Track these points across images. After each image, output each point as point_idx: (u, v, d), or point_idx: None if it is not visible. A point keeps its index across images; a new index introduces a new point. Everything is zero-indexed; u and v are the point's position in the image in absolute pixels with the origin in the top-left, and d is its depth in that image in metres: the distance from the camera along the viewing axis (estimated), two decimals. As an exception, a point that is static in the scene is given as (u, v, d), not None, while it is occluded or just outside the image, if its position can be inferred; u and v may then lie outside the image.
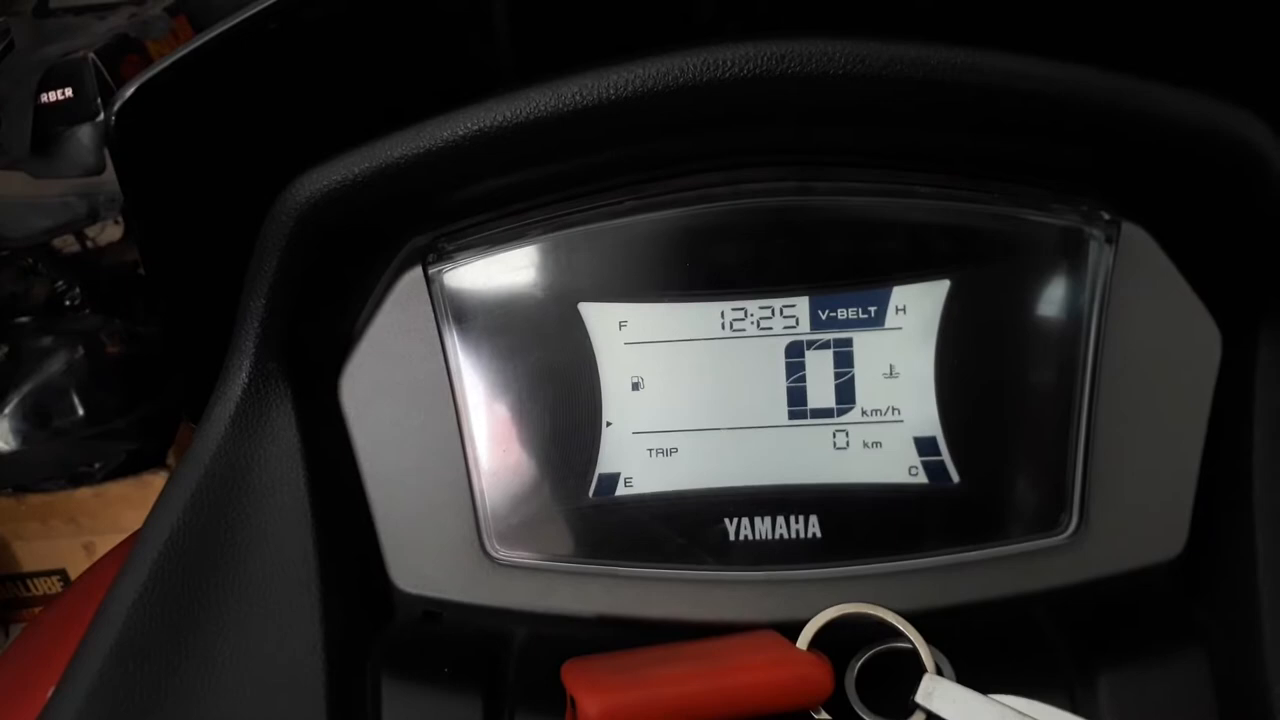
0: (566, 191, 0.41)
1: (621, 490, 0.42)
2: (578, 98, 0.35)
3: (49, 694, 0.39)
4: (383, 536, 0.42)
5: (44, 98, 1.44)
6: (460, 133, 0.36)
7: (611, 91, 0.35)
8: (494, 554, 0.42)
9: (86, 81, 1.44)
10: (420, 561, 0.42)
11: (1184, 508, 0.41)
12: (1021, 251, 0.40)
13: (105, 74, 1.47)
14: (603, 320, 0.41)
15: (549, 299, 0.41)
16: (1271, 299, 0.39)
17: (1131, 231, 0.40)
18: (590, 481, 0.42)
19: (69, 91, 1.46)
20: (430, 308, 0.41)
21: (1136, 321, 0.40)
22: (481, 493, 0.42)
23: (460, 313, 0.42)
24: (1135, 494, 0.41)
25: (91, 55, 1.42)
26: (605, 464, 0.42)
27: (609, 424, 0.42)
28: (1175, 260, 0.40)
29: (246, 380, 0.41)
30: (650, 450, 0.42)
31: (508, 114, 0.36)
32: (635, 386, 0.42)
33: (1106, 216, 0.40)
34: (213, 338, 0.42)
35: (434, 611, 0.43)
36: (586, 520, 0.42)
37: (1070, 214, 0.40)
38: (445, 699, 0.39)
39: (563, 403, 0.42)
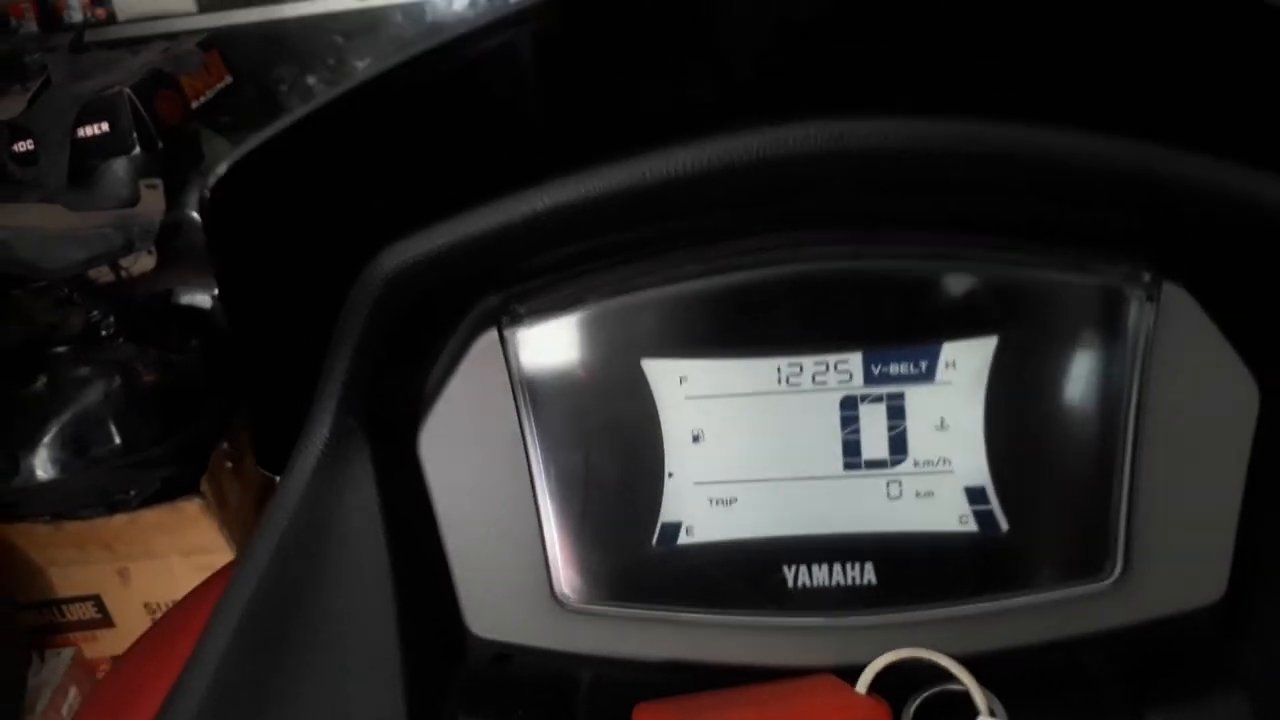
0: (630, 255, 0.43)
1: (684, 539, 0.44)
2: (645, 176, 0.37)
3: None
4: (458, 583, 0.44)
5: (80, 132, 1.48)
6: (538, 208, 0.38)
7: (676, 170, 0.37)
8: (563, 600, 0.44)
9: (122, 116, 1.48)
10: (493, 607, 0.44)
11: (1224, 554, 0.42)
12: (1066, 310, 0.42)
13: (140, 108, 1.51)
14: (665, 376, 0.43)
15: (614, 357, 0.43)
16: None
17: (1172, 291, 0.41)
18: (654, 531, 0.44)
19: (105, 126, 1.50)
20: (505, 367, 0.43)
21: (1177, 376, 0.42)
22: (552, 542, 0.44)
23: (532, 372, 0.43)
24: (1177, 541, 0.42)
25: (127, 90, 1.47)
26: (668, 514, 0.44)
27: (671, 475, 0.43)
28: (1214, 319, 0.41)
29: (328, 435, 0.43)
30: (711, 500, 0.43)
31: (580, 192, 0.38)
32: (696, 439, 0.43)
33: (1148, 277, 0.41)
34: (292, 393, 0.44)
35: (505, 655, 0.44)
36: (651, 568, 0.44)
37: (1112, 274, 0.42)
38: None
39: (627, 455, 0.44)
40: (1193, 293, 0.41)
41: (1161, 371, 0.42)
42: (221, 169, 0.40)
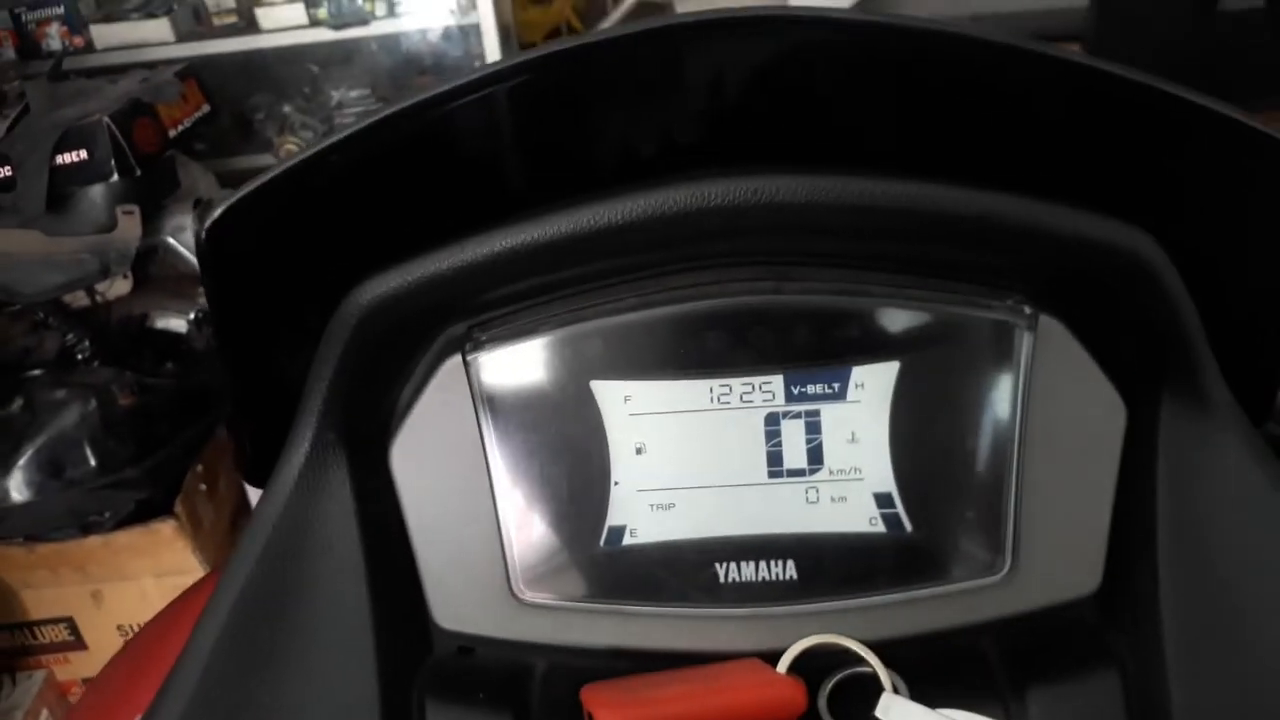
0: (579, 289, 0.48)
1: (628, 540, 0.49)
2: (592, 221, 0.43)
3: (134, 722, 0.45)
4: (425, 582, 0.49)
5: (59, 159, 1.50)
6: (497, 249, 0.43)
7: (618, 217, 0.43)
8: (520, 595, 0.49)
9: (100, 143, 1.51)
10: (457, 602, 0.49)
11: (1099, 551, 0.47)
12: (959, 338, 0.47)
13: (119, 137, 1.53)
14: (611, 396, 0.48)
15: (565, 378, 0.48)
16: (1167, 378, 0.46)
17: (1048, 323, 0.47)
18: (601, 533, 0.49)
19: (83, 153, 1.52)
20: (468, 388, 0.48)
21: (1055, 396, 0.47)
22: (510, 543, 0.49)
23: (492, 392, 0.48)
24: (1058, 540, 0.47)
25: (105, 119, 1.50)
26: (614, 518, 0.48)
27: (616, 483, 0.48)
28: (1085, 345, 0.47)
29: (309, 449, 0.47)
30: (652, 505, 0.48)
31: (536, 234, 0.43)
32: (639, 451, 0.48)
33: (1028, 310, 0.47)
34: (276, 413, 0.49)
35: (468, 647, 0.49)
36: (598, 566, 0.49)
37: (999, 307, 0.47)
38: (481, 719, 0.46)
39: (577, 465, 0.48)
40: (1066, 324, 0.47)
41: (1042, 391, 0.47)
42: (217, 212, 0.44)
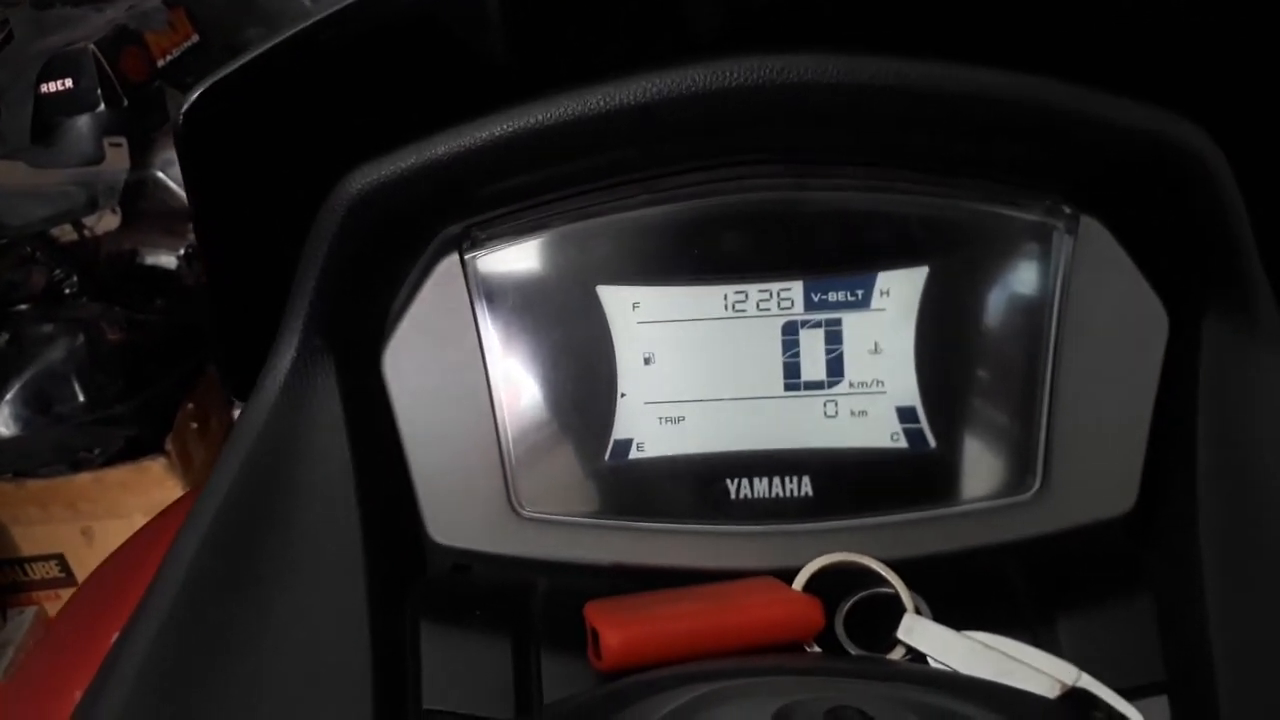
0: (585, 185, 0.45)
1: (634, 454, 0.46)
2: (600, 104, 0.40)
3: (112, 639, 0.43)
4: (420, 494, 0.46)
5: (44, 88, 1.46)
6: (496, 133, 0.40)
7: (631, 98, 0.39)
8: (520, 510, 0.46)
9: (86, 72, 1.47)
10: (454, 516, 0.46)
11: (1135, 469, 0.45)
12: (992, 241, 0.45)
13: (105, 65, 1.49)
14: (618, 302, 0.45)
15: (570, 282, 0.46)
16: (1212, 287, 0.44)
17: (1089, 224, 0.44)
18: (607, 446, 0.46)
19: (69, 82, 1.48)
20: (465, 290, 0.45)
21: (1093, 304, 0.45)
22: (510, 455, 0.46)
23: (491, 295, 0.46)
24: (1092, 457, 0.45)
25: (91, 46, 1.45)
26: (620, 430, 0.46)
27: (623, 395, 0.46)
28: (1128, 250, 0.44)
29: (295, 354, 0.45)
30: (660, 418, 0.46)
31: (540, 117, 0.40)
32: (647, 361, 0.46)
33: (1068, 210, 0.44)
34: (261, 319, 0.46)
35: (464, 564, 0.47)
36: (603, 480, 0.46)
37: (1035, 208, 0.45)
38: (477, 639, 0.43)
39: (582, 375, 0.46)
40: (1109, 227, 0.44)
41: (1079, 300, 0.45)
42: (194, 95, 0.41)
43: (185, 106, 0.41)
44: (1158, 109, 0.41)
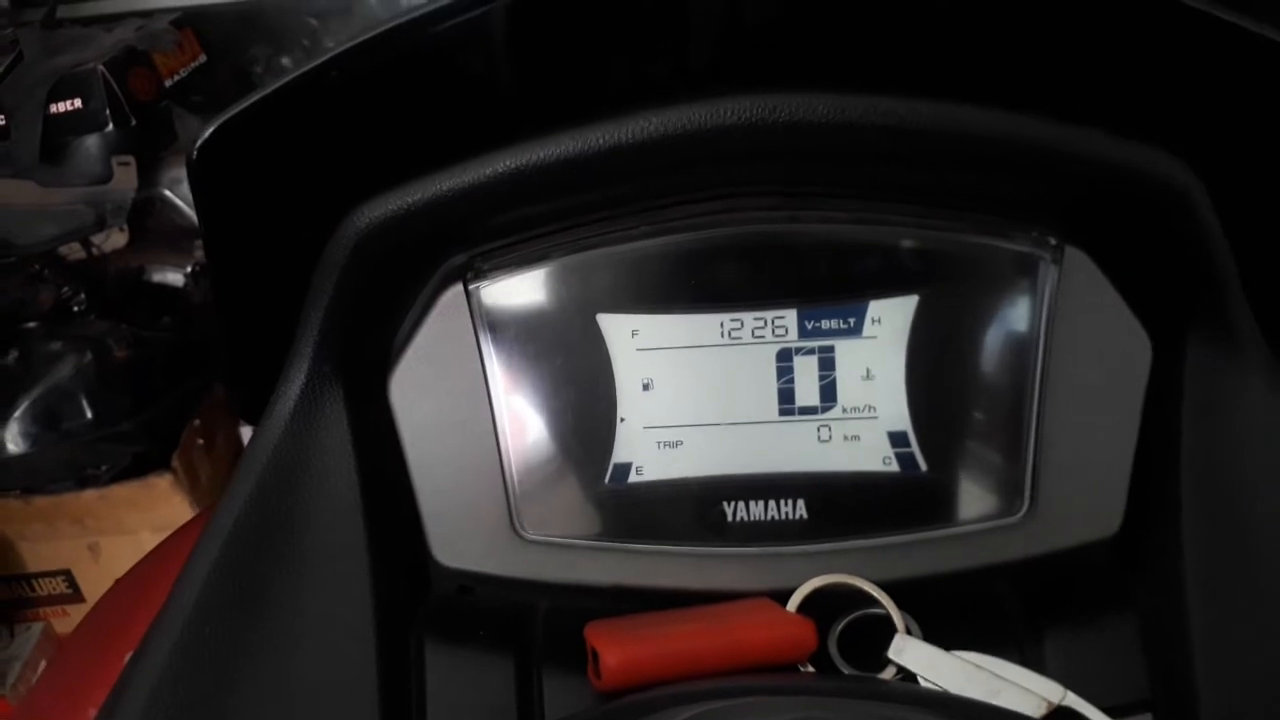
0: (586, 218, 0.47)
1: (634, 478, 0.47)
2: (600, 141, 0.41)
3: (124, 660, 0.44)
4: (425, 518, 0.47)
5: (53, 108, 1.48)
6: (499, 170, 0.42)
7: (629, 136, 0.41)
8: (523, 533, 0.47)
9: (95, 92, 1.48)
10: (458, 539, 0.47)
11: (1120, 493, 0.46)
12: (980, 271, 0.46)
13: (114, 85, 1.51)
14: (618, 329, 0.47)
15: (571, 311, 0.47)
16: (1195, 314, 0.45)
17: (1074, 255, 0.45)
18: (607, 470, 0.47)
19: (78, 102, 1.50)
20: (470, 319, 0.47)
21: (1079, 332, 0.46)
22: (513, 479, 0.47)
23: (495, 323, 0.47)
24: (1078, 480, 0.46)
25: (100, 67, 1.46)
26: (619, 455, 0.47)
27: (623, 420, 0.47)
28: (1111, 279, 0.46)
29: (305, 381, 0.46)
30: (659, 443, 0.47)
31: (541, 155, 0.41)
32: (646, 387, 0.47)
33: (1053, 241, 0.45)
34: (271, 347, 0.47)
35: (469, 586, 0.48)
36: (603, 504, 0.47)
37: (1022, 239, 0.46)
38: (481, 659, 0.44)
39: (583, 401, 0.47)
40: (1093, 256, 0.46)
41: (1065, 327, 0.46)
42: (207, 132, 0.42)
43: (199, 142, 0.42)
44: (1139, 144, 0.42)
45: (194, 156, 0.43)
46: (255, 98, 0.43)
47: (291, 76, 0.43)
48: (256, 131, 0.43)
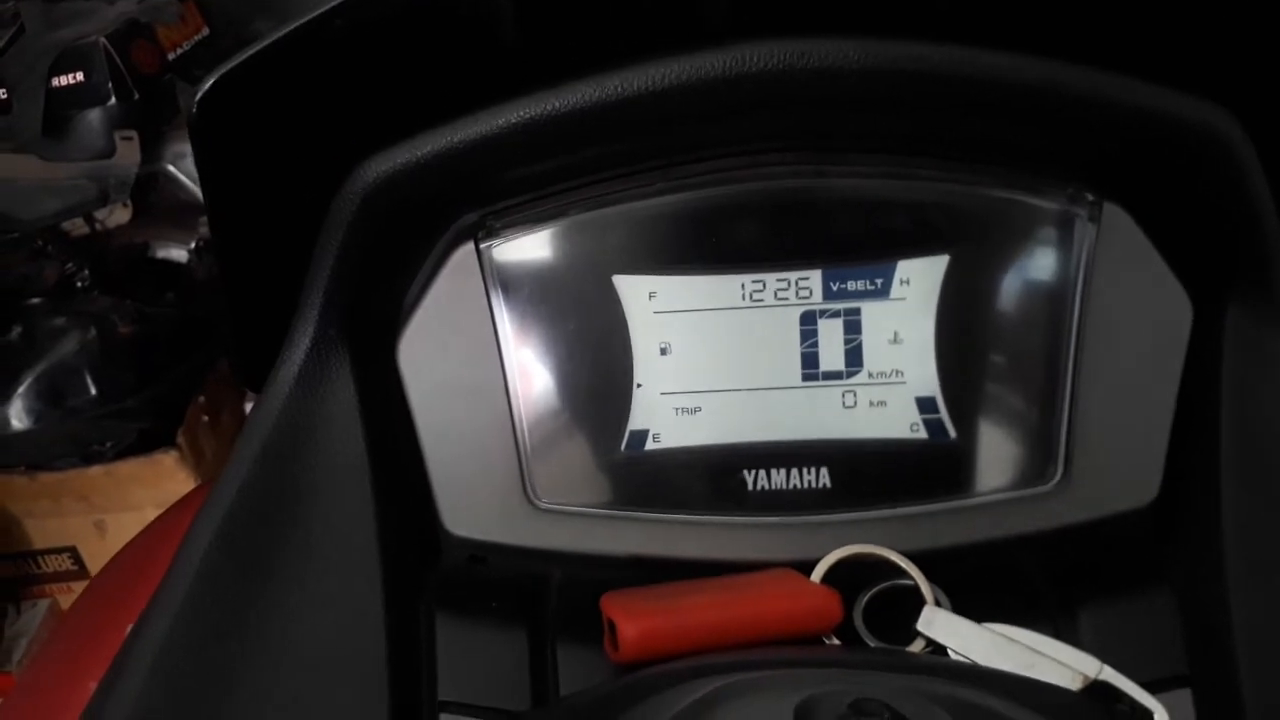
0: (601, 174, 0.45)
1: (650, 445, 0.46)
2: (618, 90, 0.39)
3: (125, 632, 0.43)
4: (435, 485, 0.46)
5: (55, 81, 1.46)
6: (512, 121, 0.40)
7: (648, 84, 0.39)
8: (536, 501, 0.46)
9: (97, 66, 1.46)
10: (469, 507, 0.46)
11: (1158, 460, 0.44)
12: (1014, 229, 0.44)
13: (116, 58, 1.49)
14: (634, 291, 0.45)
15: (586, 271, 0.45)
16: (1237, 273, 0.43)
17: (1112, 211, 0.44)
18: (623, 437, 0.46)
19: (80, 75, 1.48)
20: (481, 280, 0.45)
21: (1116, 292, 0.44)
22: (525, 446, 0.46)
23: (507, 284, 0.45)
24: (1114, 447, 0.44)
25: (102, 40, 1.45)
26: (636, 421, 0.46)
27: (639, 385, 0.46)
28: (1151, 237, 0.44)
29: (310, 344, 0.44)
30: (677, 409, 0.46)
31: (555, 105, 0.40)
32: (663, 351, 0.45)
33: (1090, 198, 0.44)
34: (275, 310, 0.46)
35: (480, 555, 0.47)
36: (619, 471, 0.46)
37: (1058, 195, 0.44)
38: (493, 631, 0.43)
39: (598, 366, 0.46)
40: (1132, 213, 0.44)
41: (1102, 288, 0.44)
42: (207, 83, 0.41)
43: (199, 95, 0.41)
44: (1181, 92, 0.40)
45: (194, 110, 0.41)
46: (257, 48, 0.41)
47: (294, 26, 0.41)
48: (258, 83, 0.42)
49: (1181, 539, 0.43)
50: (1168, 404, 0.44)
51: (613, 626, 0.40)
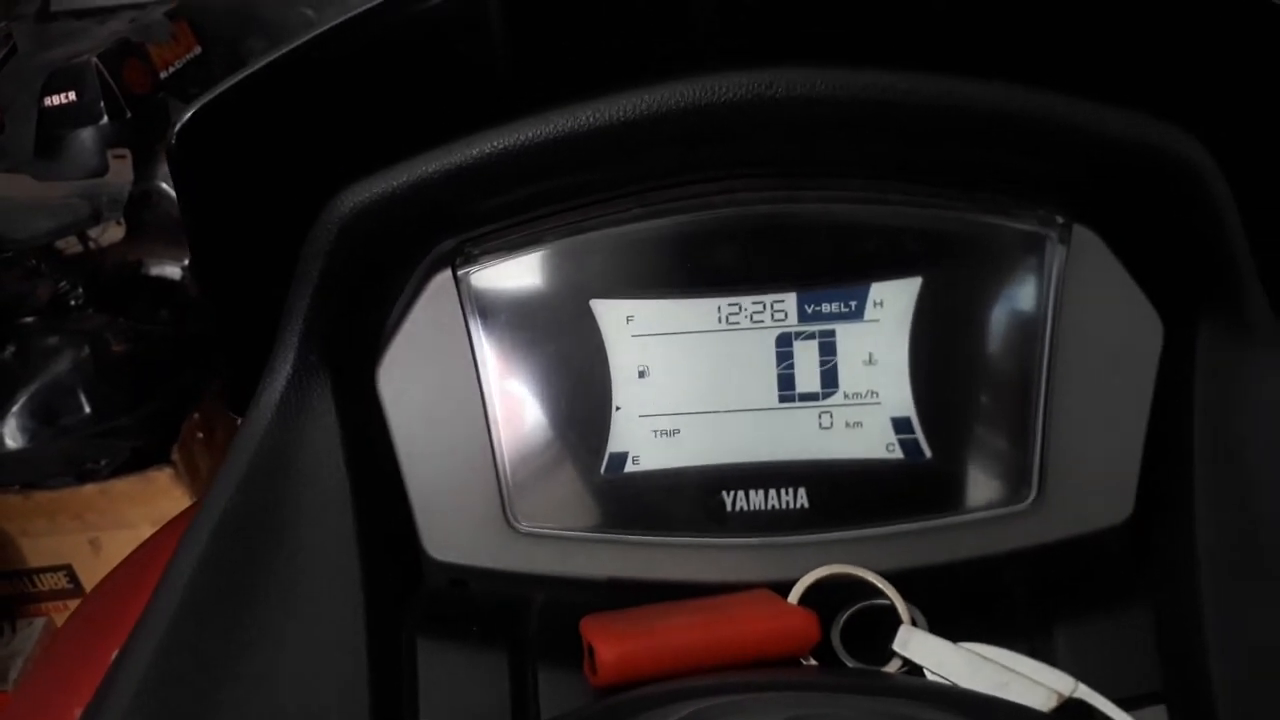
0: (578, 200, 0.45)
1: (630, 467, 0.46)
2: (591, 120, 0.40)
3: (111, 656, 0.43)
4: (416, 510, 0.46)
5: (47, 101, 1.46)
6: (486, 151, 0.40)
7: (621, 113, 0.40)
8: (516, 525, 0.46)
9: (89, 85, 1.46)
10: (450, 532, 0.46)
11: (1131, 478, 0.45)
12: (985, 251, 0.45)
13: (108, 77, 1.49)
14: (612, 315, 0.45)
15: (564, 296, 0.46)
16: (1207, 294, 0.44)
17: (1082, 234, 0.44)
18: (602, 460, 0.46)
19: (72, 95, 1.48)
20: (459, 306, 0.45)
21: (1088, 313, 0.44)
22: (506, 469, 0.46)
23: (485, 310, 0.46)
24: (1088, 466, 0.45)
25: (94, 59, 1.45)
26: (615, 444, 0.46)
27: (618, 408, 0.46)
28: (1121, 259, 0.44)
29: (291, 371, 0.45)
30: (655, 431, 0.46)
31: (530, 134, 0.40)
32: (641, 374, 0.46)
33: (1060, 220, 0.44)
34: (257, 336, 0.46)
35: (461, 579, 0.47)
36: (599, 494, 0.46)
37: (1028, 218, 0.44)
38: (474, 655, 0.43)
39: (577, 389, 0.46)
40: (1101, 235, 0.44)
41: (1073, 309, 0.44)
42: (186, 115, 0.41)
43: (178, 126, 0.41)
44: (1149, 118, 0.41)
45: (173, 141, 0.42)
46: (235, 80, 0.42)
47: (271, 58, 0.41)
48: (237, 114, 0.42)
49: (1156, 557, 0.44)
50: (1140, 422, 0.45)
51: (591, 650, 0.40)
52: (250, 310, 0.47)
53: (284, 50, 0.41)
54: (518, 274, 0.46)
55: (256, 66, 0.41)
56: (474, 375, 0.46)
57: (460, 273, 0.46)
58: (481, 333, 0.46)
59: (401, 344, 0.46)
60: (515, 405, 0.46)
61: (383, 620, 0.43)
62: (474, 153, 0.41)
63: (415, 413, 0.46)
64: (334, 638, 0.42)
